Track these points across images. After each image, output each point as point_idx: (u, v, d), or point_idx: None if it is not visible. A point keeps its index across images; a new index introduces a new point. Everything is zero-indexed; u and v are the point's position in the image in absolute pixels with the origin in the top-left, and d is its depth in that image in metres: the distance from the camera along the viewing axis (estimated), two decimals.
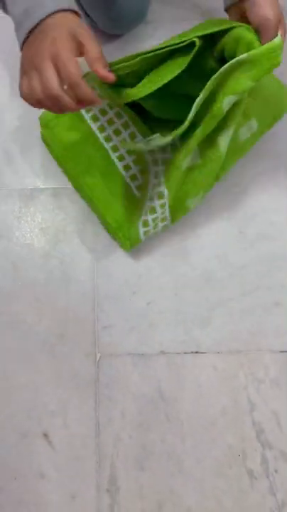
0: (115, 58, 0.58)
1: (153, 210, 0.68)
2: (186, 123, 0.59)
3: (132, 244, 0.72)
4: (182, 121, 0.59)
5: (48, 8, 0.47)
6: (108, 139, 0.73)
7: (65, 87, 0.45)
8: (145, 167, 0.73)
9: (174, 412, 0.68)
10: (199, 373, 0.70)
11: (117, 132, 0.73)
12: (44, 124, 0.74)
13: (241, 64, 0.56)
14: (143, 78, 0.59)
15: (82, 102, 0.47)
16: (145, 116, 0.72)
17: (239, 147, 0.72)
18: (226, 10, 0.65)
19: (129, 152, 0.73)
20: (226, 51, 0.60)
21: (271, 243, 0.75)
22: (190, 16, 0.86)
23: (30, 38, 0.48)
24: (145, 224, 0.69)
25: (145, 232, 0.70)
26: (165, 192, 0.67)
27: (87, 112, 0.73)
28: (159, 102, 0.67)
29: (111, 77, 0.48)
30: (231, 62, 0.56)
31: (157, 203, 0.68)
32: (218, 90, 0.59)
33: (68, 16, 0.48)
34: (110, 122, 0.73)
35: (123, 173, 0.73)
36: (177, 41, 0.57)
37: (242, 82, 0.57)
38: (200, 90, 0.57)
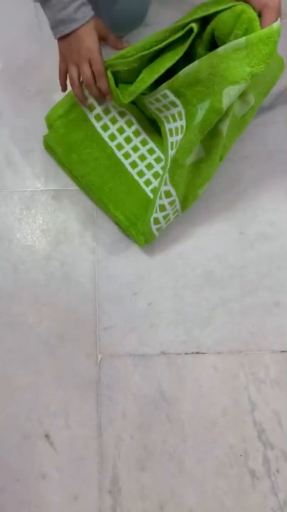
0: None
1: (163, 208, 0.69)
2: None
3: (147, 241, 0.72)
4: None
5: (80, 22, 0.64)
6: (112, 137, 0.74)
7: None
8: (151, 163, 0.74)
9: (175, 413, 0.68)
10: (199, 373, 0.70)
11: (121, 130, 0.74)
12: (49, 125, 0.74)
13: (236, 50, 0.55)
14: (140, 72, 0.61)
15: (101, 92, 0.68)
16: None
17: (238, 124, 0.71)
18: None
19: (134, 149, 0.74)
20: (219, 31, 0.59)
21: (271, 243, 0.76)
22: None
23: (66, 38, 0.66)
24: (157, 221, 0.70)
25: (157, 229, 0.71)
26: (172, 190, 0.68)
27: (91, 110, 0.73)
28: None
29: (123, 45, 0.67)
30: (227, 44, 0.55)
31: (166, 201, 0.68)
32: (214, 83, 0.58)
33: (92, 22, 0.65)
34: (113, 121, 0.74)
35: (131, 170, 0.74)
36: (176, 31, 0.59)
37: (239, 70, 0.55)
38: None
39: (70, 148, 0.73)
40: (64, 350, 0.71)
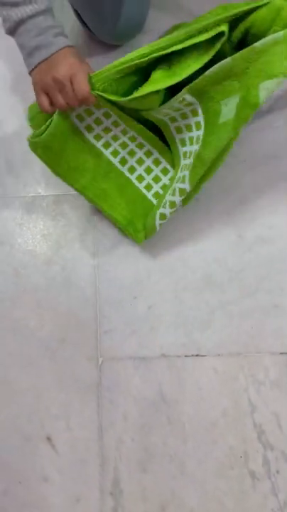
0: None
1: (173, 205, 0.69)
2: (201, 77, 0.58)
3: (147, 235, 0.72)
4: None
5: (59, 45, 0.60)
6: (98, 137, 0.70)
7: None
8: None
9: (175, 415, 0.69)
10: (199, 376, 0.71)
11: (106, 130, 0.70)
12: (35, 137, 0.66)
13: (274, 44, 0.55)
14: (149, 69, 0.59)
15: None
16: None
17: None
18: None
19: (123, 146, 0.71)
20: (257, 28, 0.58)
21: (270, 246, 0.76)
22: None
23: (42, 66, 0.61)
24: (163, 217, 0.70)
25: (160, 225, 0.71)
26: (188, 188, 0.67)
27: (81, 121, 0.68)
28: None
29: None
30: (265, 38, 0.55)
31: (178, 199, 0.68)
32: (248, 78, 0.57)
33: (71, 48, 0.62)
34: (106, 130, 0.70)
35: (121, 168, 0.72)
36: (196, 34, 0.57)
37: (278, 63, 0.55)
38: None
39: (57, 155, 0.68)
40: (65, 354, 0.72)
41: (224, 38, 0.58)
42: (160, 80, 0.60)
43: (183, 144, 0.69)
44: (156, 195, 0.72)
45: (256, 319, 0.73)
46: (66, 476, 0.67)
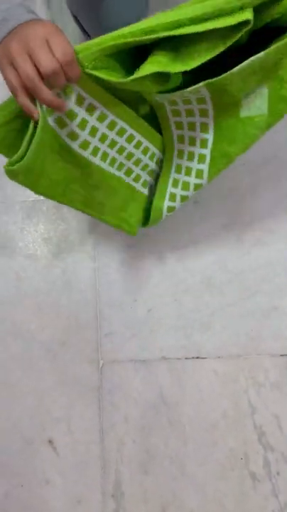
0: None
1: (186, 199, 0.64)
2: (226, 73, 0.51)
3: (154, 220, 0.66)
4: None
5: (30, 18, 0.48)
6: (85, 145, 0.59)
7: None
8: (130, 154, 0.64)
9: (176, 416, 0.69)
10: (200, 378, 0.71)
11: (92, 132, 0.59)
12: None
13: None
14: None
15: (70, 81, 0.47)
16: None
17: None
18: None
19: (112, 145, 0.61)
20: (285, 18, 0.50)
21: (269, 249, 0.77)
22: None
23: (7, 38, 0.47)
24: (171, 210, 0.65)
25: (169, 208, 0.65)
26: (205, 184, 0.63)
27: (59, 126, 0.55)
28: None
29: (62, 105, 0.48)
30: None
31: (191, 193, 0.64)
32: (277, 70, 0.53)
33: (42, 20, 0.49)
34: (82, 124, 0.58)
35: (109, 168, 0.63)
36: (223, 17, 0.47)
37: None
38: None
39: (40, 175, 0.57)
40: (66, 357, 0.72)
41: (247, 27, 0.48)
42: (166, 64, 0.50)
43: (179, 127, 0.62)
44: (144, 183, 0.68)
45: (255, 321, 0.74)
46: (67, 478, 0.67)
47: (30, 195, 0.80)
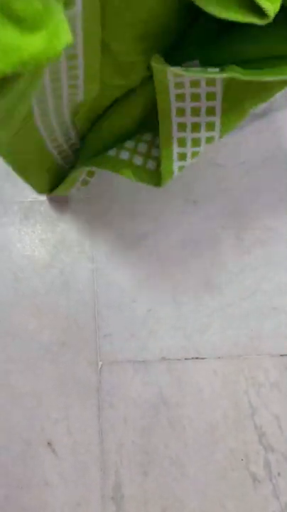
0: None
1: (196, 154, 0.58)
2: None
3: (164, 183, 0.60)
4: None
5: None
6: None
7: None
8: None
9: (176, 417, 0.69)
10: (200, 378, 0.71)
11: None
12: None
13: None
14: None
15: None
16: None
17: None
18: None
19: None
20: None
21: (268, 248, 0.76)
22: None
23: None
24: (181, 169, 0.59)
25: (180, 168, 0.59)
26: (218, 137, 0.56)
27: None
28: None
29: None
30: None
31: (203, 148, 0.57)
32: None
33: None
34: None
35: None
36: None
37: None
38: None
39: None
40: (65, 358, 0.72)
41: None
42: None
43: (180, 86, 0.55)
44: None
45: (255, 321, 0.73)
46: (67, 480, 0.67)
47: (27, 195, 0.79)
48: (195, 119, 0.56)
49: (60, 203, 0.79)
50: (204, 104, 0.56)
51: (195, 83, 0.53)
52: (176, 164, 0.59)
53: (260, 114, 0.82)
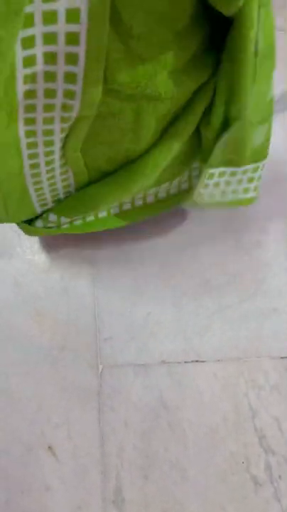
0: None
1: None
2: None
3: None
4: None
5: None
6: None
7: None
8: None
9: (176, 420, 0.69)
10: (200, 381, 0.71)
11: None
12: None
13: None
14: None
15: None
16: None
17: None
18: None
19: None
20: None
21: (267, 250, 0.77)
22: None
23: None
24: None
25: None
26: None
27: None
28: None
29: None
30: None
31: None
32: None
33: None
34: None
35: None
36: None
37: None
38: None
39: None
40: (65, 362, 0.72)
41: None
42: None
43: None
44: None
45: (255, 323, 0.73)
46: (68, 484, 0.67)
47: None
48: None
49: None
50: None
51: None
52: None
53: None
